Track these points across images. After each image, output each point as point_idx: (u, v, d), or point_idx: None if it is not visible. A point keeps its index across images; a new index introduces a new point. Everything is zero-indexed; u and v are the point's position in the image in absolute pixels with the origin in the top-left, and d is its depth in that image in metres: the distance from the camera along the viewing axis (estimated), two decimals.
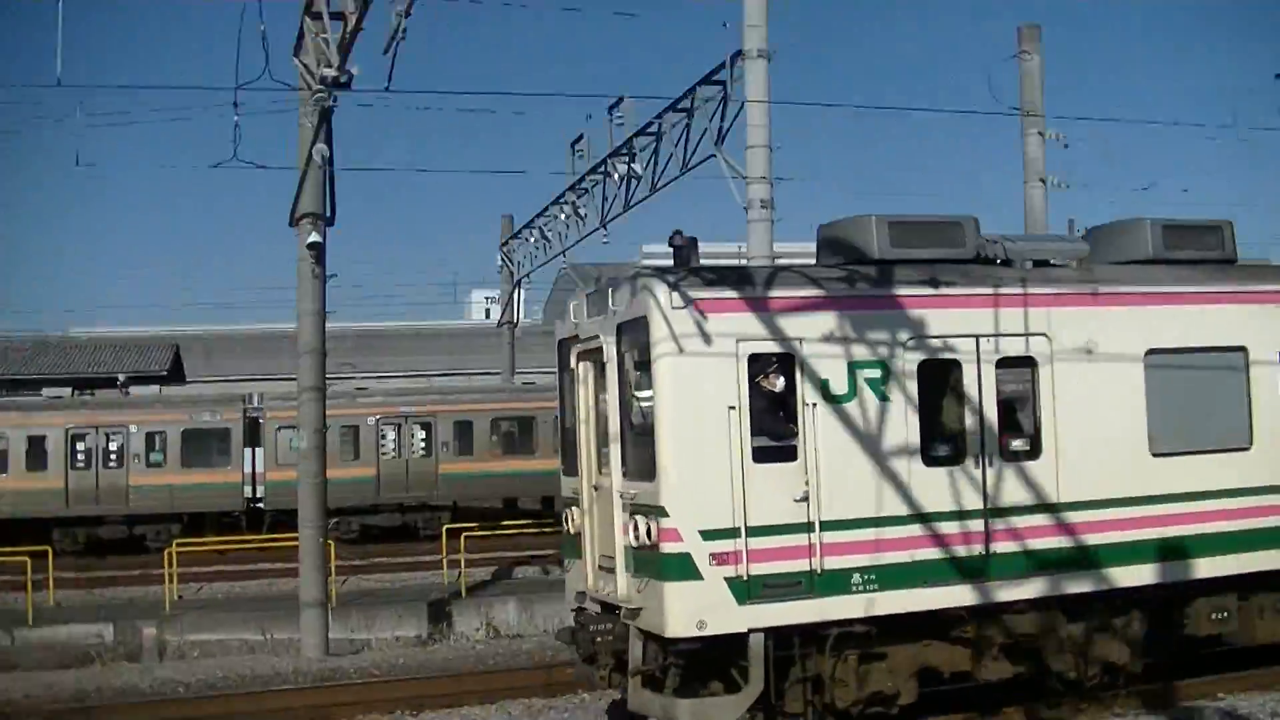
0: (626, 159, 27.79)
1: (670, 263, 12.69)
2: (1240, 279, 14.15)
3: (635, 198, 28.36)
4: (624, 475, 12.22)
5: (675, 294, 11.46)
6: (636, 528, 11.66)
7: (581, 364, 13.30)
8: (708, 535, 11.32)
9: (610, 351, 12.34)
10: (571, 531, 13.66)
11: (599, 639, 12.44)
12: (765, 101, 20.64)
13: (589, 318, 13.10)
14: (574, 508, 13.55)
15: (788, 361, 11.76)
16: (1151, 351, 13.14)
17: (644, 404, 12.11)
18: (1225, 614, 13.69)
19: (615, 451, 12.32)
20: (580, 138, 30.51)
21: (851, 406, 11.89)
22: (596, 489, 13.03)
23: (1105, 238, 14.52)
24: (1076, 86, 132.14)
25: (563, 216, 34.40)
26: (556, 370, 14.37)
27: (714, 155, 23.04)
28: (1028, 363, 12.67)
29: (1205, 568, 13.23)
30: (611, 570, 12.52)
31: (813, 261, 13.56)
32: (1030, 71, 25.81)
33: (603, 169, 29.29)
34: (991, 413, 12.45)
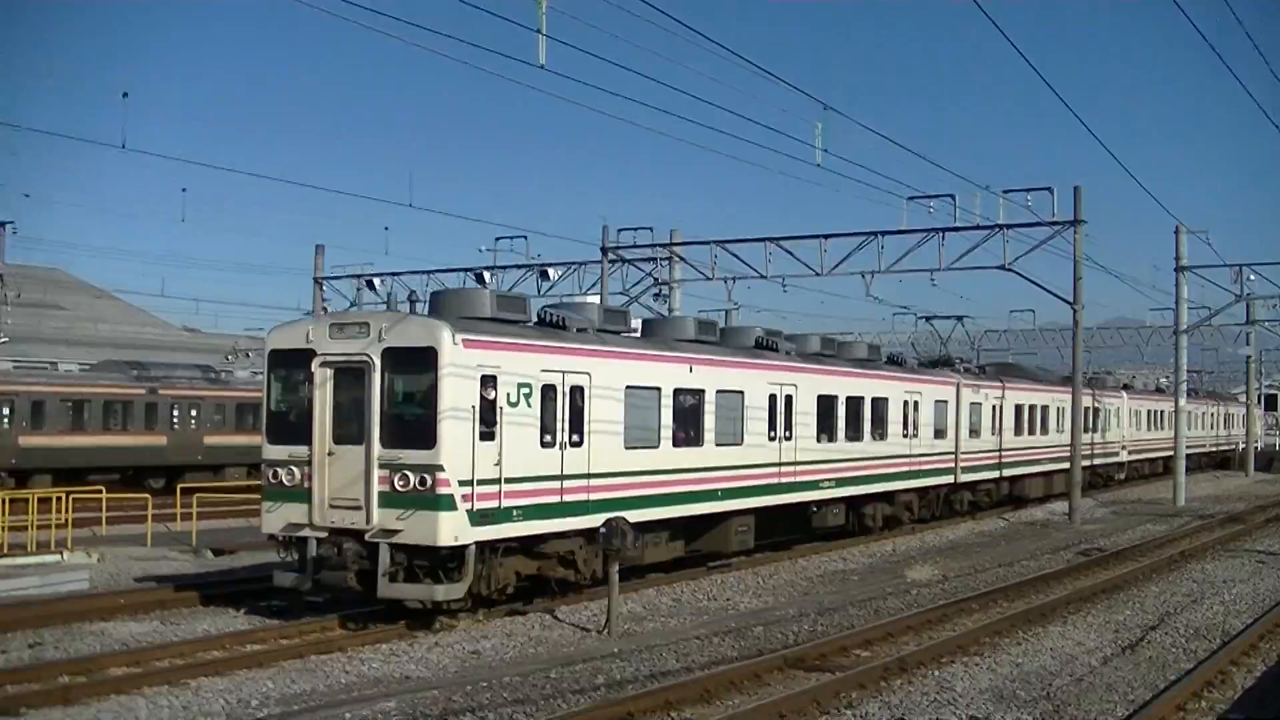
0: None
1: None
2: (657, 346, 24.15)
3: None
4: (383, 445, 18.71)
5: (456, 335, 18.49)
6: (406, 479, 18.35)
7: (321, 370, 19.34)
8: (461, 483, 18.47)
9: (376, 365, 18.78)
10: (287, 484, 19.51)
11: (349, 553, 18.74)
12: None
13: (332, 338, 19.27)
14: (290, 467, 19.48)
15: (494, 380, 19.24)
16: (628, 387, 22.49)
17: (409, 400, 18.85)
18: (641, 543, 23.37)
19: (375, 429, 18.75)
20: None
21: (517, 409, 19.69)
22: (331, 454, 19.19)
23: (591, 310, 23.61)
24: None
25: None
26: (265, 369, 20.26)
27: None
28: (582, 390, 21.30)
29: (639, 515, 22.82)
30: (351, 508, 18.87)
31: None
32: None
33: None
34: (565, 417, 20.90)
